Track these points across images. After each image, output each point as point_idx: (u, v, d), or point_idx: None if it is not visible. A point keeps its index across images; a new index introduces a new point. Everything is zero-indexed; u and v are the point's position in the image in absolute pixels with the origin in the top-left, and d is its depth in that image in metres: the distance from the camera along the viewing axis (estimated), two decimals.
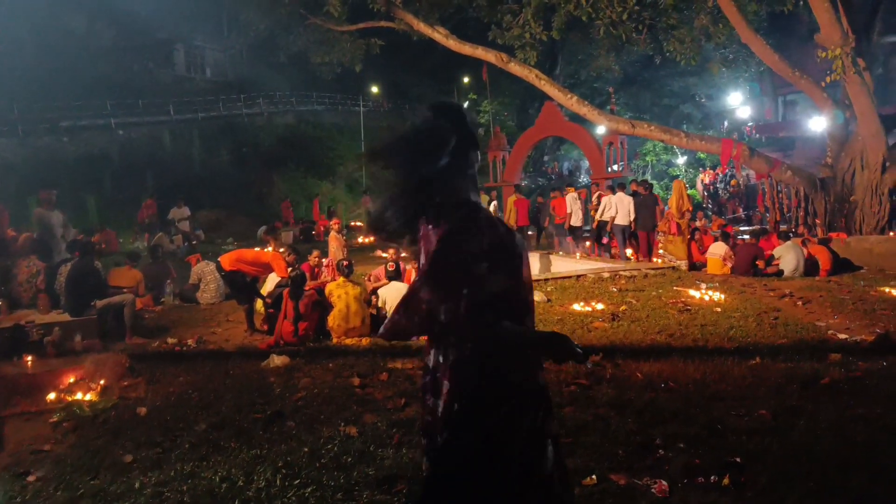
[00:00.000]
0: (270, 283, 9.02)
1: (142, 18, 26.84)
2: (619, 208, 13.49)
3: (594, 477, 3.46)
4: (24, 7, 23.31)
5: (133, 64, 28.52)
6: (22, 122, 22.19)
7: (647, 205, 13.47)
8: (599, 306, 8.55)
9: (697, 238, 12.71)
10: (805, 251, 11.34)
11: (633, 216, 13.39)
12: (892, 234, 12.87)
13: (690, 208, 13.61)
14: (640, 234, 13.63)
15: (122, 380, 5.86)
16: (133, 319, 8.04)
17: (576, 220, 15.10)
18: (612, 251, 14.20)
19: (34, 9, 23.69)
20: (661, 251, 13.32)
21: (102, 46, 26.67)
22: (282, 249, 9.45)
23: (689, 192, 29.54)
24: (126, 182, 22.51)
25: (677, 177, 32.98)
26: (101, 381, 5.70)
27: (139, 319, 8.58)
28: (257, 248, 10.42)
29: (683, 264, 12.19)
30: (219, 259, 8.53)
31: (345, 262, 8.16)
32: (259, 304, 8.70)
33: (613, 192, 13.87)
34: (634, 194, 13.75)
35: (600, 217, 13.95)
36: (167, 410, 5.05)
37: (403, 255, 10.77)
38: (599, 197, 14.65)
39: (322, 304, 7.76)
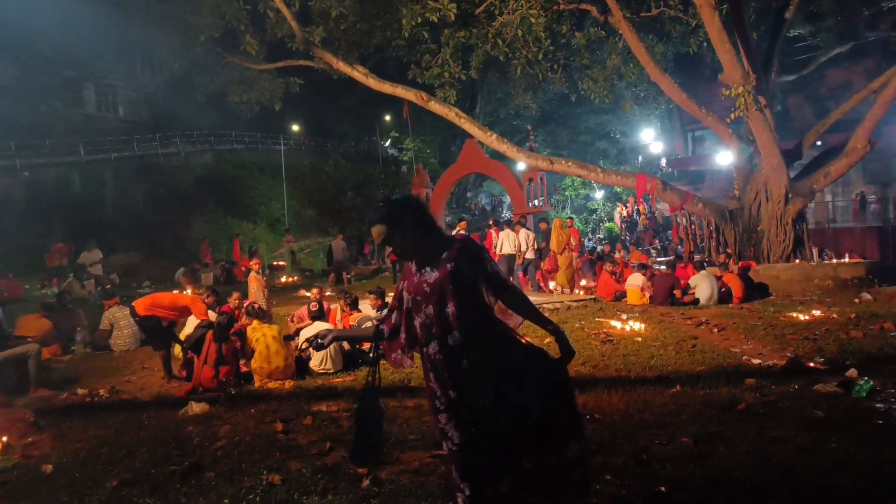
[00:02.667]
0: (190, 326, 8.69)
1: (47, 56, 25.81)
2: (525, 243, 14.12)
3: None
4: None
5: (39, 103, 27.32)
6: None
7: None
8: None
9: (599, 269, 13.40)
10: (721, 278, 11.83)
11: (535, 248, 14.22)
12: (797, 261, 13.56)
13: (570, 243, 14.48)
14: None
15: (26, 437, 5.47)
16: (38, 371, 7.56)
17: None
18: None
19: None
20: (553, 286, 14.20)
21: (5, 86, 25.46)
22: (200, 291, 9.15)
23: (608, 224, 30.72)
24: (33, 226, 21.42)
25: (595, 210, 34.07)
26: (2, 439, 5.30)
27: (46, 370, 8.08)
28: (175, 291, 10.05)
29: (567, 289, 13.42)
30: (132, 304, 8.17)
31: (255, 306, 8.00)
32: (177, 349, 8.35)
33: (500, 229, 14.70)
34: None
35: (499, 252, 14.47)
36: (75, 468, 4.72)
37: (328, 293, 10.61)
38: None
39: (241, 349, 7.53)
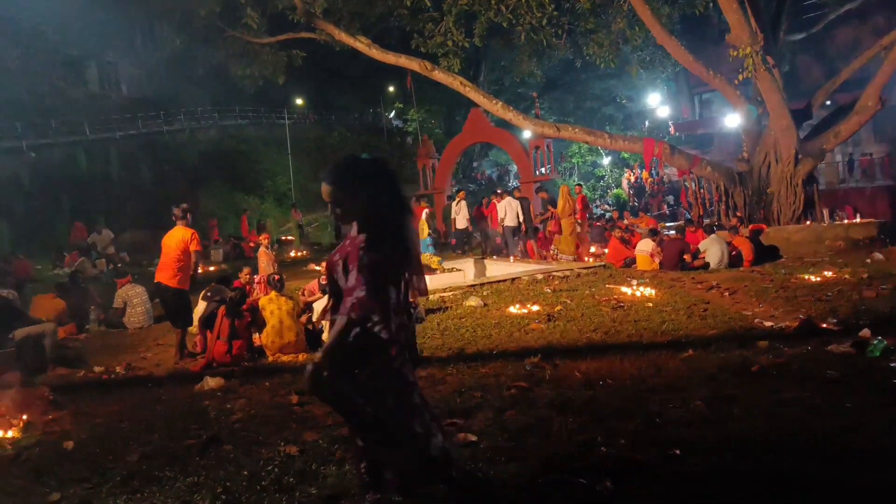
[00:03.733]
0: (202, 306, 8.63)
1: (48, 35, 25.57)
2: (507, 211, 14.73)
3: (539, 480, 3.46)
4: None
5: (42, 83, 27.14)
6: None
7: (523, 207, 15.16)
8: (535, 308, 8.63)
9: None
10: (731, 242, 11.78)
11: (521, 218, 14.77)
12: (808, 222, 13.48)
13: (577, 209, 14.52)
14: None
15: (46, 414, 5.55)
16: (55, 349, 7.66)
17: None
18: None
19: None
20: (553, 250, 14.00)
21: (6, 67, 25.29)
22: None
23: (616, 191, 30.60)
24: (40, 206, 21.48)
25: (603, 177, 33.90)
26: (23, 417, 5.38)
27: (62, 349, 8.16)
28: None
29: (571, 257, 13.53)
30: (160, 281, 7.74)
31: (276, 277, 7.99)
32: (194, 327, 8.32)
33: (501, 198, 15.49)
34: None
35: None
36: (95, 443, 4.79)
37: None
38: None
39: (254, 322, 7.58)
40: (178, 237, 7.82)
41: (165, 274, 7.74)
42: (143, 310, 10.18)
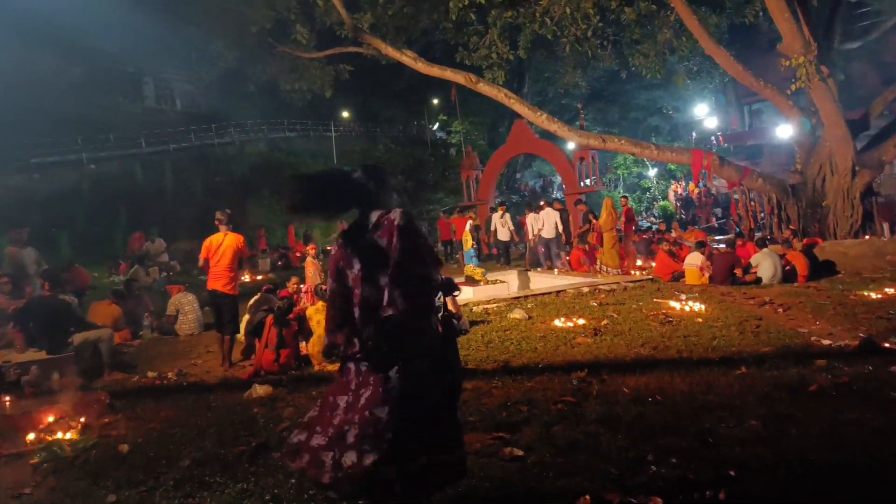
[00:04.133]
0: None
1: (108, 53, 26.64)
2: (545, 222, 14.95)
3: (588, 497, 3.41)
4: None
5: (102, 98, 28.26)
6: None
7: (563, 219, 15.40)
8: (581, 321, 8.54)
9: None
10: (784, 256, 11.46)
11: (560, 229, 15.02)
12: (866, 237, 13.02)
13: (622, 221, 14.37)
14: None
15: (102, 417, 5.72)
16: (111, 355, 7.86)
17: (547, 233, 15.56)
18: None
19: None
20: (598, 264, 13.96)
21: (70, 82, 26.38)
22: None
23: (662, 203, 30.12)
24: (98, 216, 22.25)
25: (649, 189, 33.43)
26: (82, 420, 5.56)
27: (118, 355, 8.39)
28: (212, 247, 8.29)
29: (616, 270, 13.20)
30: (216, 289, 7.79)
31: (322, 287, 8.09)
32: (241, 334, 8.47)
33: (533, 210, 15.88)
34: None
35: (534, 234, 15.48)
36: (149, 447, 4.92)
37: None
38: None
39: (301, 332, 7.68)
40: (230, 244, 7.87)
41: (220, 282, 7.83)
42: (194, 317, 10.43)
